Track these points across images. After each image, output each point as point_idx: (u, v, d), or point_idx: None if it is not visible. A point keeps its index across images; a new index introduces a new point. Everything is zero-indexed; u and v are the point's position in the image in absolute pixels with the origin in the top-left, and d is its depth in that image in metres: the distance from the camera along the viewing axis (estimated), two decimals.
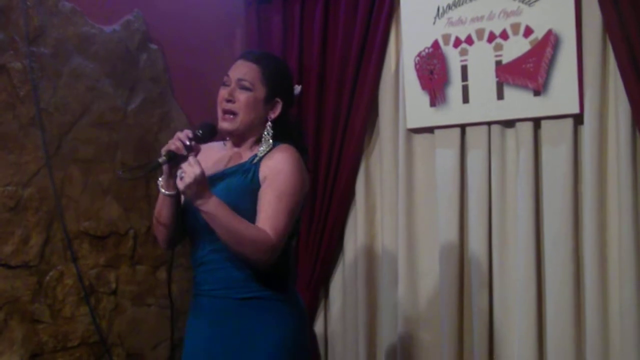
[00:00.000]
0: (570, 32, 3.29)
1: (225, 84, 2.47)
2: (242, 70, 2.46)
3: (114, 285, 3.44)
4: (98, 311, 3.36)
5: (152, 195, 3.55)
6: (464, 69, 3.51)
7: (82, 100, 3.34)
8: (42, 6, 3.19)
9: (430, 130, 3.64)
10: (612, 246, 3.26)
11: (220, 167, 2.47)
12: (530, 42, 3.37)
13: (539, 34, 3.35)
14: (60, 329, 3.22)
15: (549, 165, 3.37)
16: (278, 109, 2.48)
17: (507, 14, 3.42)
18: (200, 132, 2.39)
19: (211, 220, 2.29)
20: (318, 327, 3.90)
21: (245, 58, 2.50)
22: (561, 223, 3.32)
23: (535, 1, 3.37)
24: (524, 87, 3.38)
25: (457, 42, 3.52)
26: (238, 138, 2.49)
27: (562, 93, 3.31)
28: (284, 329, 2.41)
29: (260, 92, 2.45)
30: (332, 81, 3.81)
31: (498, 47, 3.44)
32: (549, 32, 3.33)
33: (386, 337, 3.72)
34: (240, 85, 2.44)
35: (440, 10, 3.56)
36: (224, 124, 2.45)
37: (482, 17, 3.47)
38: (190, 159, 2.29)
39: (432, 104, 3.59)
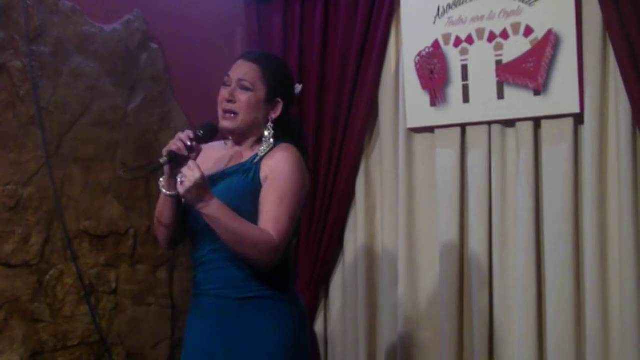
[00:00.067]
0: (570, 31, 3.29)
1: (225, 84, 2.47)
2: (243, 71, 2.46)
3: (114, 285, 3.44)
4: (98, 310, 3.36)
5: (152, 194, 3.55)
6: (464, 69, 3.51)
7: (83, 99, 3.34)
8: (42, 5, 3.19)
9: (430, 129, 3.64)
10: (612, 246, 3.26)
11: (221, 167, 2.47)
12: (531, 42, 3.37)
13: (539, 33, 3.35)
14: (61, 328, 3.22)
15: (549, 164, 3.37)
16: (279, 109, 2.48)
17: (507, 14, 3.42)
18: (201, 132, 2.39)
19: (213, 223, 2.29)
20: (318, 326, 3.90)
21: (245, 58, 2.50)
22: (561, 222, 3.32)
23: (535, 1, 3.37)
24: (524, 86, 3.38)
25: (458, 42, 3.53)
26: (239, 137, 2.49)
27: (563, 93, 3.31)
28: (284, 329, 2.41)
29: (261, 92, 2.45)
30: (332, 81, 3.81)
31: (498, 47, 3.44)
32: (549, 32, 3.33)
33: (386, 336, 3.72)
34: (240, 86, 2.44)
35: (441, 10, 3.56)
36: (224, 123, 2.45)
37: (482, 17, 3.47)
38: (191, 163, 2.28)
39: (433, 103, 3.59)
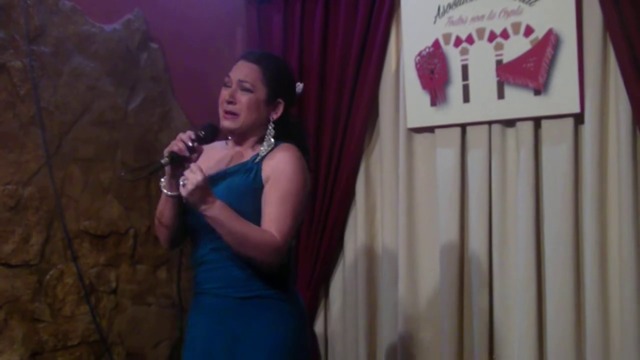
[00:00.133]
0: (570, 31, 3.29)
1: (226, 85, 2.47)
2: (243, 72, 2.46)
3: (114, 285, 3.44)
4: (98, 310, 3.36)
5: (152, 194, 3.55)
6: (465, 69, 3.51)
7: (83, 99, 3.34)
8: (42, 5, 3.19)
9: (430, 129, 3.64)
10: (612, 245, 3.26)
11: (221, 167, 2.47)
12: (531, 42, 3.37)
13: (539, 33, 3.35)
14: (61, 328, 3.22)
15: (549, 164, 3.36)
16: (280, 110, 2.48)
17: (507, 14, 3.42)
18: (203, 133, 2.39)
19: (216, 225, 2.29)
20: (318, 326, 3.90)
21: (246, 59, 2.50)
22: (561, 222, 3.32)
23: (535, 0, 3.37)
24: (525, 86, 3.38)
25: (458, 42, 3.52)
26: (239, 137, 2.49)
27: (563, 92, 3.31)
28: (284, 329, 2.41)
29: (261, 93, 2.45)
30: (332, 81, 3.81)
31: (499, 47, 3.44)
32: (550, 32, 3.33)
33: (386, 336, 3.72)
34: (241, 87, 2.44)
35: (441, 10, 3.56)
36: (225, 123, 2.45)
37: (482, 17, 3.47)
38: (193, 165, 2.29)
39: (433, 103, 3.59)
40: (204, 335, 2.42)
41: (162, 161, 2.32)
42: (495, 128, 3.49)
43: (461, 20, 3.52)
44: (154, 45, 3.68)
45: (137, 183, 3.50)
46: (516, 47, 3.40)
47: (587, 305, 3.27)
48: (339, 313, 3.88)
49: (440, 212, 3.58)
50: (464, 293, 3.56)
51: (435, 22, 3.58)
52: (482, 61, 3.47)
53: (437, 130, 3.62)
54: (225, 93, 2.45)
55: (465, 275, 3.55)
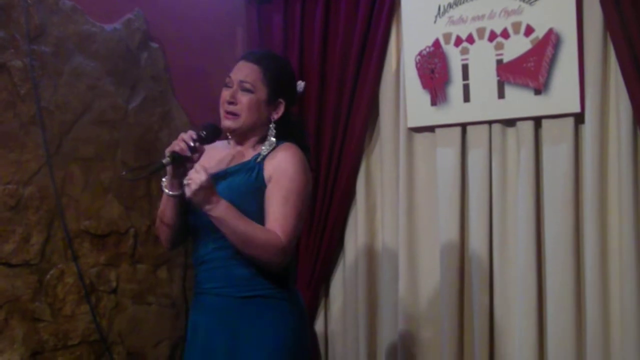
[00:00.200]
0: (571, 31, 3.29)
1: (227, 86, 2.47)
2: (244, 72, 2.46)
3: (114, 284, 3.44)
4: (98, 310, 3.36)
5: (152, 194, 3.55)
6: (465, 68, 3.51)
7: (83, 98, 3.34)
8: (42, 4, 3.18)
9: (431, 129, 3.64)
10: (612, 245, 3.26)
11: (222, 166, 2.47)
12: (531, 41, 3.37)
13: (539, 33, 3.35)
14: (61, 328, 3.21)
15: (549, 164, 3.37)
16: (281, 110, 2.48)
17: (508, 13, 3.42)
18: (204, 133, 2.39)
19: (220, 224, 2.29)
20: (319, 325, 3.90)
21: (246, 59, 2.50)
22: (562, 222, 3.32)
23: (536, 0, 3.37)
24: (525, 86, 3.38)
25: (458, 41, 3.53)
26: (240, 137, 2.49)
27: (563, 92, 3.31)
28: (284, 328, 2.41)
29: (262, 93, 2.45)
30: (332, 80, 3.81)
31: (499, 46, 3.44)
32: (550, 31, 3.33)
33: (387, 335, 3.72)
34: (242, 87, 2.44)
35: (441, 9, 3.56)
36: (226, 122, 2.45)
37: (483, 16, 3.47)
38: (197, 165, 2.30)
39: (433, 102, 3.59)
40: (205, 335, 2.42)
41: (164, 161, 2.32)
42: (496, 128, 3.49)
43: (461, 20, 3.52)
44: (155, 45, 3.68)
45: (137, 183, 3.49)
46: (516, 47, 3.40)
47: (587, 305, 3.27)
48: (339, 312, 3.88)
49: (441, 212, 3.58)
50: (464, 292, 3.56)
51: (435, 21, 3.58)
52: (483, 61, 3.47)
53: (437, 130, 3.62)
54: (226, 93, 2.45)
55: (466, 274, 3.55)
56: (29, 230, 3.12)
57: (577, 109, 3.29)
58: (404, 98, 3.67)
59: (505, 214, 3.46)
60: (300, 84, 2.57)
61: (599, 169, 3.26)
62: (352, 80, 3.74)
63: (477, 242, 3.49)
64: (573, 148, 3.32)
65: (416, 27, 3.62)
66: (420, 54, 3.61)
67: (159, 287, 3.63)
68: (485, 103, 3.47)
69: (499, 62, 3.44)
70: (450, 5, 3.54)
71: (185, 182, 2.28)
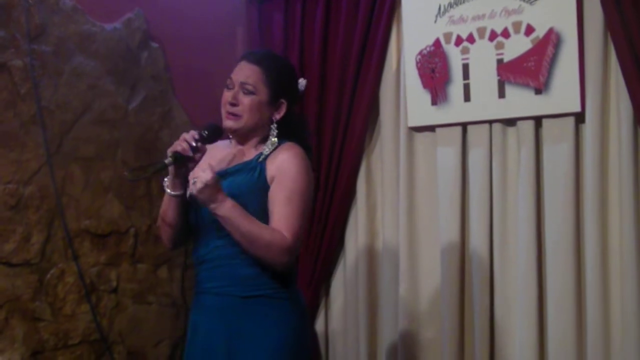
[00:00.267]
0: (571, 30, 3.29)
1: (228, 87, 2.46)
2: (245, 73, 2.45)
3: (114, 284, 3.44)
4: (99, 309, 3.36)
5: (152, 193, 3.55)
6: (466, 68, 3.51)
7: (83, 98, 3.34)
8: (43, 4, 3.19)
9: (431, 128, 3.64)
10: (613, 244, 3.26)
11: (223, 166, 2.47)
12: (532, 41, 3.37)
13: (540, 32, 3.35)
14: (61, 327, 3.22)
15: (550, 163, 3.36)
16: (283, 110, 2.48)
17: (508, 12, 3.42)
18: (206, 132, 2.39)
19: (226, 223, 2.30)
20: (319, 325, 3.90)
21: (247, 60, 2.49)
22: (562, 221, 3.32)
23: (536, 0, 3.36)
24: (526, 85, 3.38)
25: (459, 41, 3.52)
26: (242, 137, 2.49)
27: (564, 91, 3.31)
28: (285, 327, 2.41)
29: (264, 94, 2.45)
30: (333, 80, 3.80)
31: (499, 46, 3.44)
32: (551, 31, 3.33)
33: (387, 335, 3.72)
34: (243, 89, 2.43)
35: (442, 9, 3.56)
36: (228, 123, 2.45)
37: (483, 16, 3.47)
38: (203, 164, 2.31)
39: (434, 102, 3.59)
40: (206, 334, 2.42)
41: (166, 161, 2.32)
42: (496, 127, 3.48)
43: (462, 20, 3.52)
44: (155, 44, 3.68)
45: (137, 182, 3.49)
46: (517, 46, 3.40)
47: (587, 304, 3.27)
48: (339, 312, 3.88)
49: (441, 211, 3.58)
50: (465, 291, 3.56)
51: (436, 21, 3.58)
52: (483, 60, 3.47)
53: (437, 129, 3.61)
54: (227, 95, 2.45)
55: (466, 274, 3.55)
56: (30, 230, 3.12)
57: (578, 109, 3.29)
58: (405, 97, 3.67)
59: (505, 214, 3.46)
60: (302, 82, 2.57)
61: (600, 168, 3.26)
62: (353, 80, 3.74)
63: (477, 242, 3.49)
64: (573, 147, 3.32)
65: (417, 26, 3.62)
66: (420, 53, 3.61)
67: (159, 287, 3.63)
68: (486, 102, 3.47)
69: (500, 62, 3.44)
70: (450, 5, 3.54)
71: (191, 180, 2.29)
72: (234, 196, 2.33)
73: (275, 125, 2.47)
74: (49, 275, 3.19)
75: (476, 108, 3.50)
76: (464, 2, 3.51)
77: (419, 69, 3.61)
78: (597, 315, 3.22)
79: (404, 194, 3.65)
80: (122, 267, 3.47)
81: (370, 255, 3.79)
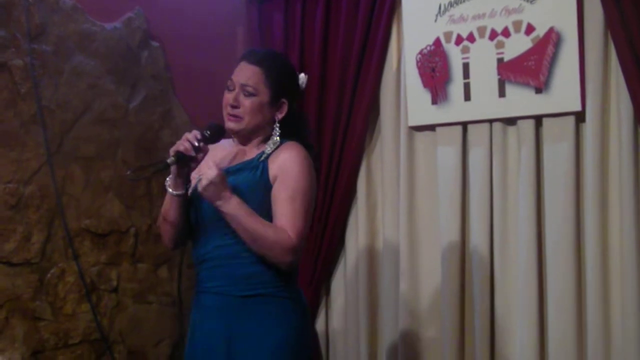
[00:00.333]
0: (572, 29, 3.29)
1: (229, 88, 2.46)
2: (246, 75, 2.44)
3: (115, 283, 3.44)
4: (99, 309, 3.36)
5: (153, 193, 3.55)
6: (466, 67, 3.51)
7: (84, 97, 3.34)
8: (43, 3, 3.18)
9: (431, 128, 3.64)
10: (613, 244, 3.26)
11: (224, 164, 2.46)
12: (532, 40, 3.37)
13: (540, 31, 3.35)
14: (62, 327, 3.22)
15: (550, 163, 3.36)
16: (284, 109, 2.48)
17: (508, 12, 3.42)
18: (208, 132, 2.39)
19: (231, 220, 2.31)
20: (320, 324, 3.90)
21: (247, 60, 2.48)
22: (563, 221, 3.32)
23: None
24: (526, 84, 3.38)
25: (459, 40, 3.52)
26: (244, 138, 2.49)
27: (564, 91, 3.31)
28: (286, 327, 2.41)
29: (265, 95, 2.44)
30: (333, 79, 3.80)
31: (500, 45, 3.44)
32: (551, 30, 3.33)
33: (388, 334, 3.72)
34: (244, 91, 2.43)
35: (442, 8, 3.56)
36: (230, 124, 2.45)
37: (483, 15, 3.47)
38: (210, 161, 2.31)
39: (434, 101, 3.59)
40: (206, 334, 2.42)
41: (168, 161, 2.32)
42: (496, 126, 3.48)
43: (462, 19, 3.52)
44: (155, 44, 3.68)
45: (138, 182, 3.49)
46: (517, 45, 3.40)
47: (588, 304, 3.27)
48: (340, 311, 3.88)
49: (442, 210, 3.58)
50: (465, 291, 3.56)
51: (436, 20, 3.58)
52: (483, 59, 3.47)
53: (438, 129, 3.61)
54: (228, 96, 2.45)
55: (467, 273, 3.55)
56: (30, 229, 3.12)
57: (578, 108, 3.29)
58: (405, 97, 3.67)
59: (506, 213, 3.46)
60: (303, 78, 2.56)
61: (600, 167, 3.26)
62: (353, 79, 3.74)
63: (477, 241, 3.49)
64: (574, 147, 3.32)
65: (417, 25, 3.62)
66: (421, 52, 3.61)
67: (159, 286, 3.63)
68: (486, 102, 3.47)
69: (500, 61, 3.44)
70: (450, 4, 3.54)
71: (195, 178, 2.28)
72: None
73: (277, 124, 2.47)
74: (49, 275, 3.19)
75: (476, 107, 3.50)
76: (464, 1, 3.51)
77: (419, 68, 3.61)
78: (597, 314, 3.22)
79: (404, 194, 3.65)
80: (123, 266, 3.47)
81: (371, 254, 3.79)
